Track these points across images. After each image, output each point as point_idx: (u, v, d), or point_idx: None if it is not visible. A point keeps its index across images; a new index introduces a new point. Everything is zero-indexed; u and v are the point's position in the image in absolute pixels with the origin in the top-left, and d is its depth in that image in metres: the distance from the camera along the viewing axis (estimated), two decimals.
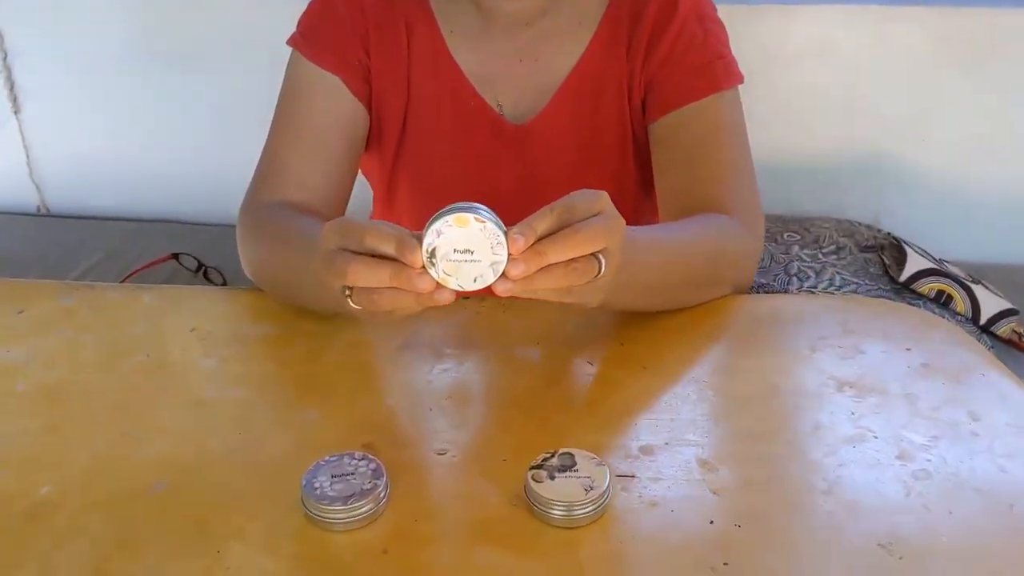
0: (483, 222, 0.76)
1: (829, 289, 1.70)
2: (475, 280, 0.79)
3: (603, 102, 1.18)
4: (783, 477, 0.83)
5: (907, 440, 0.85)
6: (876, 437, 0.86)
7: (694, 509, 0.79)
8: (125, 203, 2.19)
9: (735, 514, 0.79)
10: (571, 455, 0.82)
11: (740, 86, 1.15)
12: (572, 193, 0.82)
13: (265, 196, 1.11)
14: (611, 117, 1.19)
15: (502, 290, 0.79)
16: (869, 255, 1.81)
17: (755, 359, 0.95)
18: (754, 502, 0.80)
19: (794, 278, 1.72)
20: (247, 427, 0.90)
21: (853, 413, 0.89)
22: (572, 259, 0.79)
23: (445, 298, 0.80)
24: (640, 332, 0.99)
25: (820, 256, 1.79)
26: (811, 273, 1.74)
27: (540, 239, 0.79)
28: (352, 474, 0.81)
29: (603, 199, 0.82)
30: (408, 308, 0.81)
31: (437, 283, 0.79)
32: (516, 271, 0.78)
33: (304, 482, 0.80)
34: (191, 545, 0.78)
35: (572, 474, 0.80)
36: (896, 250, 1.78)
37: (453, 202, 0.77)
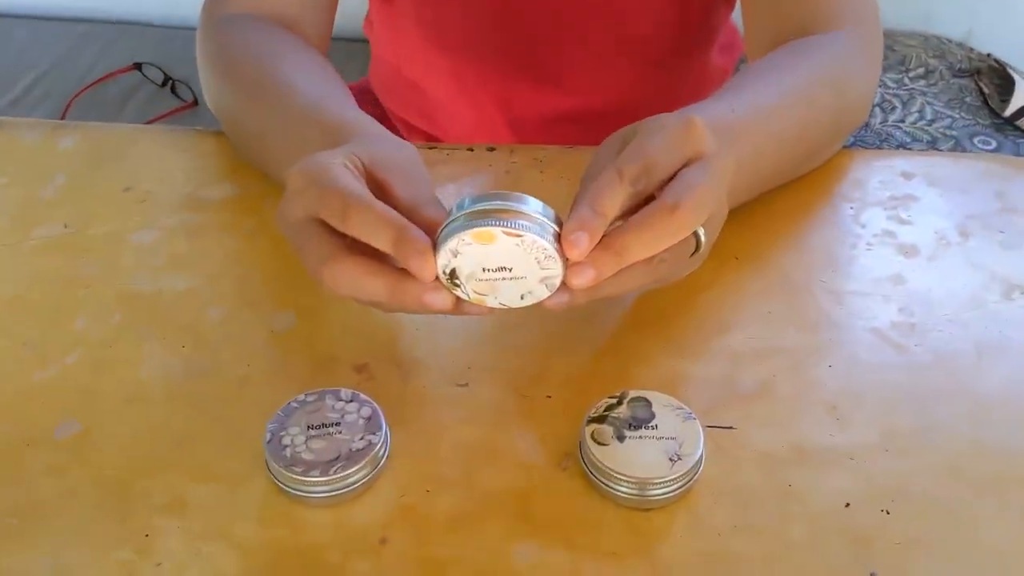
0: (518, 235, 0.51)
1: (919, 124, 1.42)
2: (522, 298, 0.54)
3: None
4: (954, 434, 0.59)
5: None
6: None
7: (819, 484, 0.56)
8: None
9: (881, 493, 0.56)
10: (647, 402, 0.57)
11: None
12: (643, 134, 0.56)
13: (233, 3, 0.81)
14: None
15: (561, 306, 0.55)
16: (964, 81, 1.51)
17: (885, 248, 0.70)
18: (911, 474, 0.56)
19: (877, 109, 1.44)
20: (193, 339, 0.65)
21: None
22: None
23: (478, 312, 0.55)
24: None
25: (907, 81, 1.49)
26: (897, 103, 1.45)
27: (611, 227, 0.53)
28: (337, 424, 0.57)
29: (693, 133, 0.56)
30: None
31: (459, 299, 0.54)
32: (582, 280, 0.53)
33: (269, 435, 0.56)
34: (105, 525, 0.55)
35: (649, 432, 0.56)
36: (998, 76, 1.49)
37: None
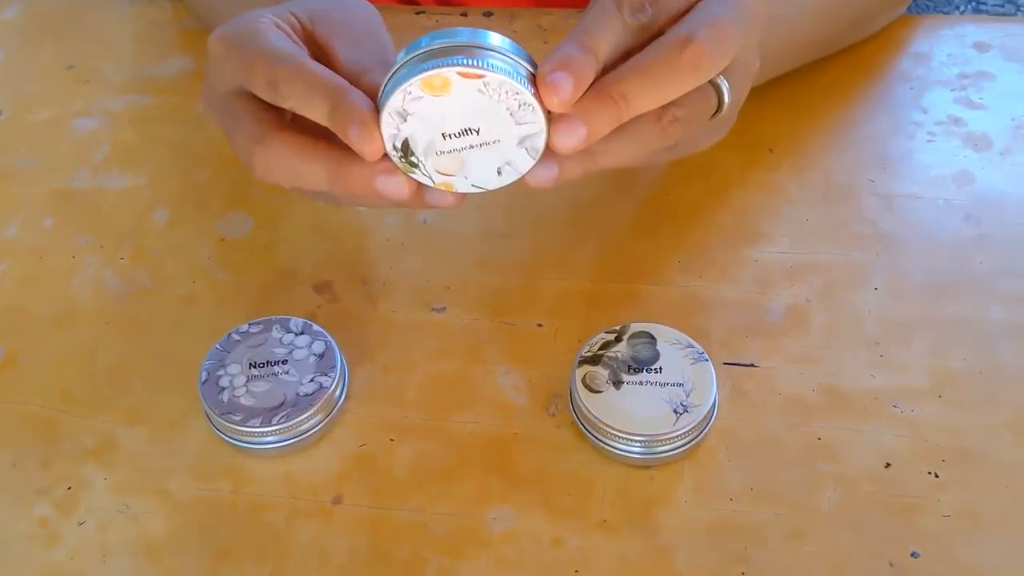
0: (479, 74, 0.39)
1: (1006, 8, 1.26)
2: (500, 172, 0.42)
3: None
4: (1022, 382, 0.49)
5: None
6: None
7: (855, 438, 0.47)
8: None
9: (929, 451, 0.46)
10: (650, 338, 0.48)
11: None
12: None
13: None
14: None
15: (549, 180, 0.43)
16: None
17: (950, 139, 0.59)
18: (967, 430, 0.47)
19: None
20: (133, 248, 0.57)
21: None
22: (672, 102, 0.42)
23: (447, 203, 0.44)
24: (759, 91, 0.60)
25: None
26: None
27: (607, 70, 0.41)
28: (284, 363, 0.48)
29: None
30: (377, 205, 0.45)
31: (421, 184, 0.43)
32: (571, 139, 0.40)
33: (204, 375, 0.48)
34: (26, 472, 0.48)
35: (651, 377, 0.47)
36: None
37: None
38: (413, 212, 0.57)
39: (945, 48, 0.63)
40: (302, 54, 0.44)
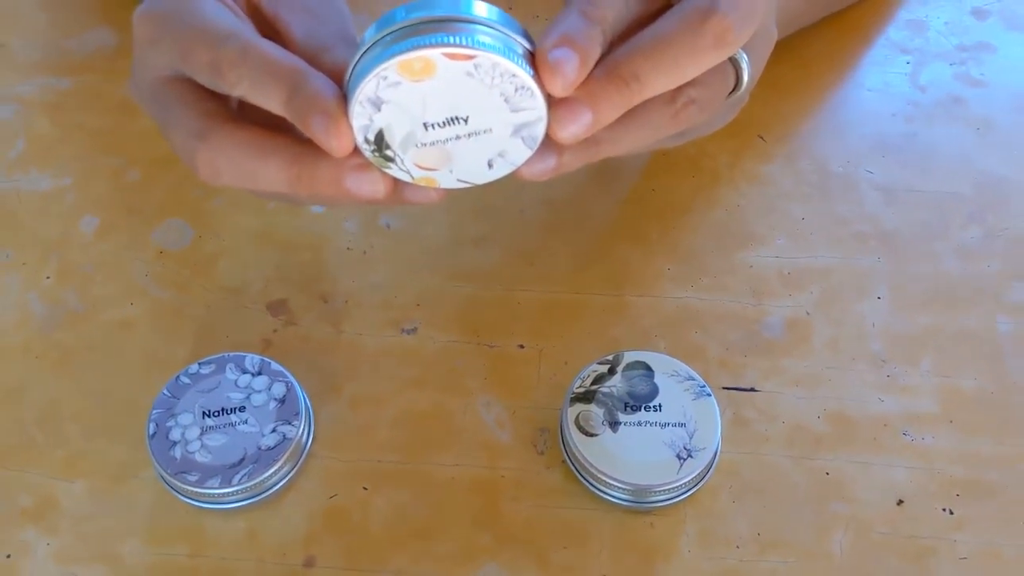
0: (470, 55, 0.33)
1: None
2: (490, 165, 0.36)
3: None
4: None
5: None
6: None
7: (864, 472, 0.44)
8: None
9: (943, 485, 0.44)
10: (647, 369, 0.44)
11: None
12: None
13: None
14: None
15: (546, 172, 0.37)
16: None
17: (953, 123, 0.55)
18: (983, 459, 0.44)
19: None
20: (59, 264, 0.50)
21: None
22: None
23: (428, 199, 0.37)
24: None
25: None
26: None
27: (613, 45, 0.36)
28: (242, 410, 0.43)
29: None
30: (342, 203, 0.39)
31: (398, 180, 0.36)
32: (575, 126, 0.34)
33: (152, 427, 0.43)
34: None
35: (651, 416, 0.43)
36: None
37: None
38: (374, 217, 0.51)
39: (942, 15, 0.58)
40: (249, 31, 0.37)
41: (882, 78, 0.56)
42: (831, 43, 0.57)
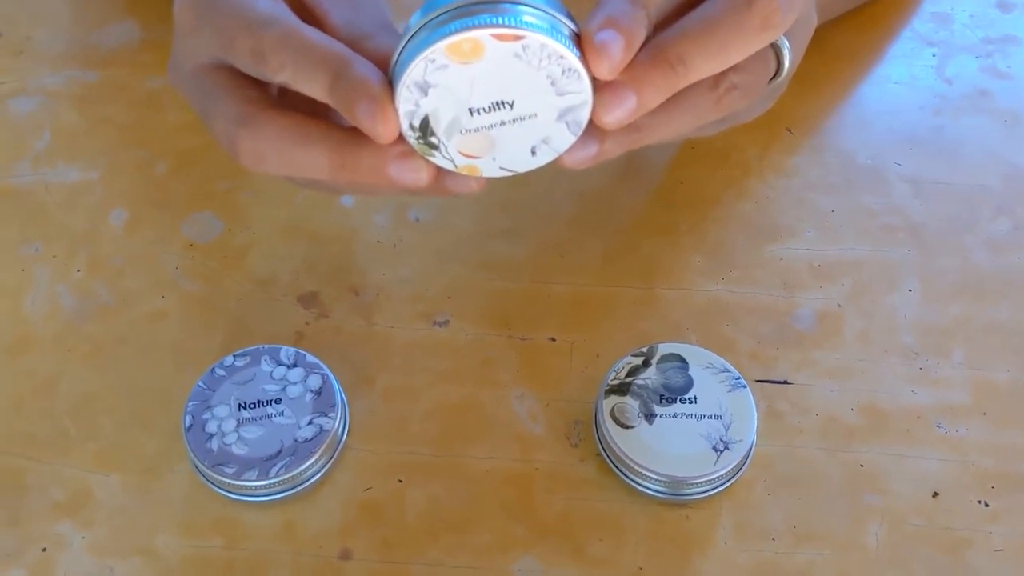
0: (519, 35, 0.32)
1: None
2: (534, 152, 0.36)
3: None
4: None
5: None
6: None
7: (898, 464, 0.44)
8: None
9: (978, 477, 0.44)
10: (681, 361, 0.44)
11: None
12: None
13: None
14: None
15: (588, 160, 0.37)
16: None
17: (980, 115, 0.55)
18: (1014, 452, 0.44)
19: None
20: (89, 257, 0.50)
21: None
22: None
23: (470, 189, 0.37)
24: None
25: None
26: None
27: (657, 28, 0.35)
28: (278, 402, 0.43)
29: None
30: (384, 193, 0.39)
31: (440, 169, 0.36)
32: (621, 111, 0.34)
33: (188, 419, 0.43)
34: None
35: (686, 408, 0.43)
36: None
37: None
38: (403, 210, 0.51)
39: (967, 8, 0.58)
40: (291, 17, 0.36)
41: (908, 71, 0.56)
42: (857, 36, 0.57)
